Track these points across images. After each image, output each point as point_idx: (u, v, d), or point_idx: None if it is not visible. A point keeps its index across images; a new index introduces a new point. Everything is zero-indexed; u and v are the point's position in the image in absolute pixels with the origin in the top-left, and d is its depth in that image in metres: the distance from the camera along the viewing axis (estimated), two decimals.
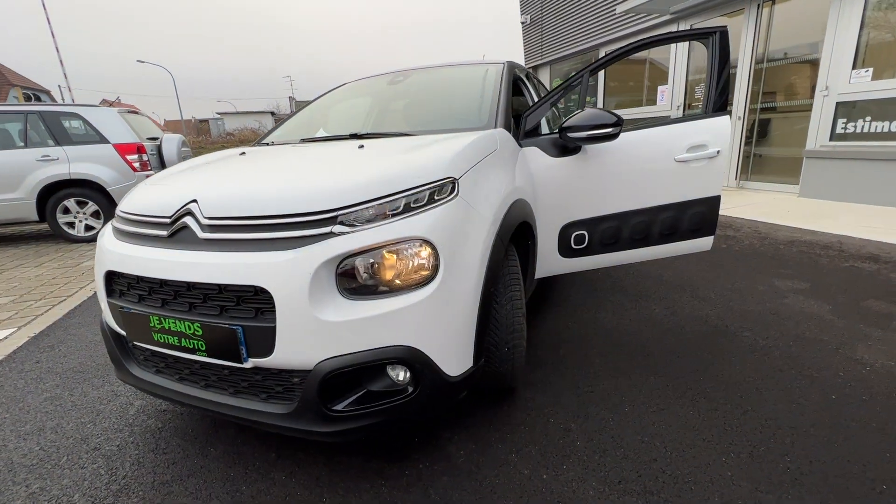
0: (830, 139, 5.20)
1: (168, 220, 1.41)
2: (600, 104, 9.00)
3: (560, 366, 2.02)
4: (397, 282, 1.27)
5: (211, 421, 1.78)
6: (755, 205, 5.23)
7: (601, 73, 8.83)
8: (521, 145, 2.09)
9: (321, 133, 2.35)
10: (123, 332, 1.51)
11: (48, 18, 16.15)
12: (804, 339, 2.12)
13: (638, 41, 2.22)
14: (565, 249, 2.24)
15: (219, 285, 1.26)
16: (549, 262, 2.26)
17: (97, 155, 5.32)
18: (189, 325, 1.31)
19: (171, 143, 6.19)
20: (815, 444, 1.45)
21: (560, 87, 2.22)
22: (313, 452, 1.56)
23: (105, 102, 53.06)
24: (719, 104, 2.22)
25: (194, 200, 1.39)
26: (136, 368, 1.57)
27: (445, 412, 1.69)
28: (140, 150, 5.53)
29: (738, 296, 2.66)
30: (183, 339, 1.34)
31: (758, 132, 6.24)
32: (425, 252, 1.28)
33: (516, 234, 1.89)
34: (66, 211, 5.33)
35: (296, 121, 2.64)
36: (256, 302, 1.24)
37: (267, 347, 1.24)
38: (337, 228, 1.25)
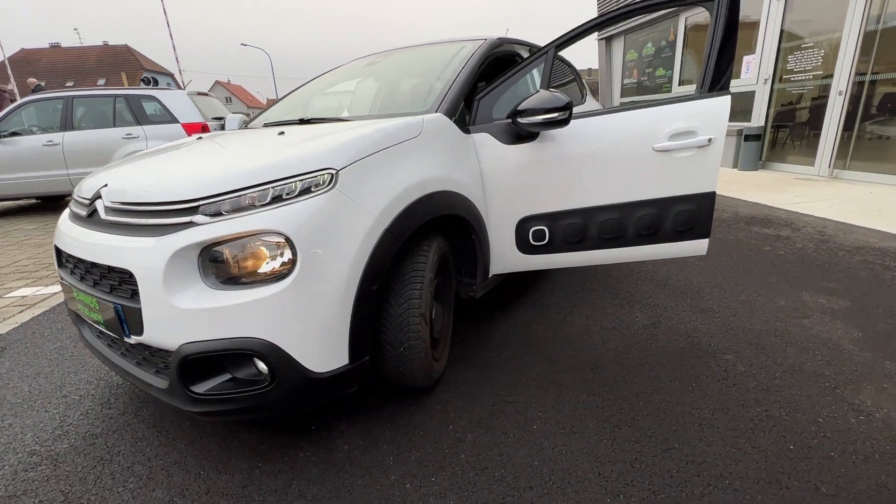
0: None
1: (88, 202, 1.55)
2: (676, 78, 8.01)
3: (495, 369, 1.90)
4: (254, 274, 1.27)
5: None
6: (840, 199, 4.36)
7: (679, 43, 7.82)
8: (469, 131, 1.94)
9: (287, 117, 2.38)
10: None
11: (164, 9, 18.25)
12: (799, 370, 1.75)
13: (623, 7, 1.91)
14: (524, 245, 2.07)
15: (108, 266, 1.37)
16: (508, 257, 2.11)
17: (168, 133, 5.97)
18: (90, 299, 1.44)
19: (234, 122, 6.71)
20: (731, 503, 1.20)
21: (519, 66, 2.00)
22: (219, 425, 1.65)
23: (218, 83, 58.88)
24: (720, 82, 1.85)
25: (106, 185, 1.50)
26: (87, 331, 1.77)
27: (312, 407, 1.55)
28: (204, 128, 6.10)
29: (747, 310, 2.26)
30: (90, 312, 1.48)
31: (864, 111, 5.13)
32: (281, 245, 1.26)
33: (439, 228, 1.80)
34: None
35: (282, 104, 2.71)
36: (130, 283, 1.32)
37: (140, 327, 1.32)
38: (198, 218, 1.27)
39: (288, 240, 1.25)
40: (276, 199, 1.29)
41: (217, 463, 1.48)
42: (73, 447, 1.60)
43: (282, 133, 1.74)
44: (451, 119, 1.85)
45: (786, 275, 2.66)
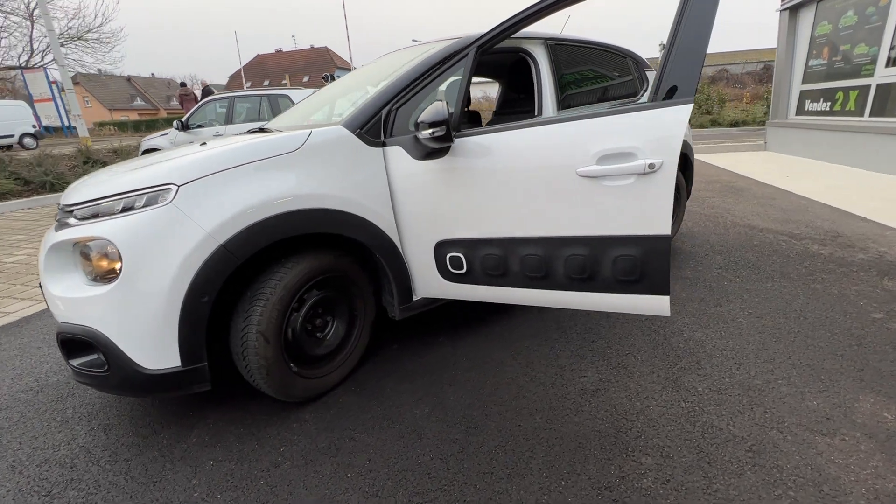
0: None
1: None
2: (883, 56, 5.83)
3: (377, 400, 1.78)
4: (104, 274, 1.46)
5: None
6: None
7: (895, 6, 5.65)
8: (385, 143, 1.80)
9: (276, 124, 2.57)
10: None
11: (345, 14, 21.13)
12: (733, 500, 1.19)
13: None
14: (445, 272, 1.87)
15: None
16: (431, 283, 1.94)
17: None
18: None
19: None
20: None
21: (439, 69, 1.76)
22: (121, 399, 1.94)
23: None
24: (683, 86, 1.33)
25: None
26: None
27: (155, 395, 1.81)
28: None
29: (745, 402, 1.61)
30: None
31: None
32: (112, 252, 1.41)
33: (328, 245, 1.74)
34: None
35: (290, 111, 2.93)
36: None
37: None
38: (71, 220, 1.51)
39: (117, 247, 1.39)
40: (127, 209, 1.45)
41: (111, 422, 1.76)
42: (58, 381, 2.09)
43: (203, 144, 1.90)
44: (355, 131, 1.75)
45: (865, 361, 1.79)
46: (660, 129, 1.34)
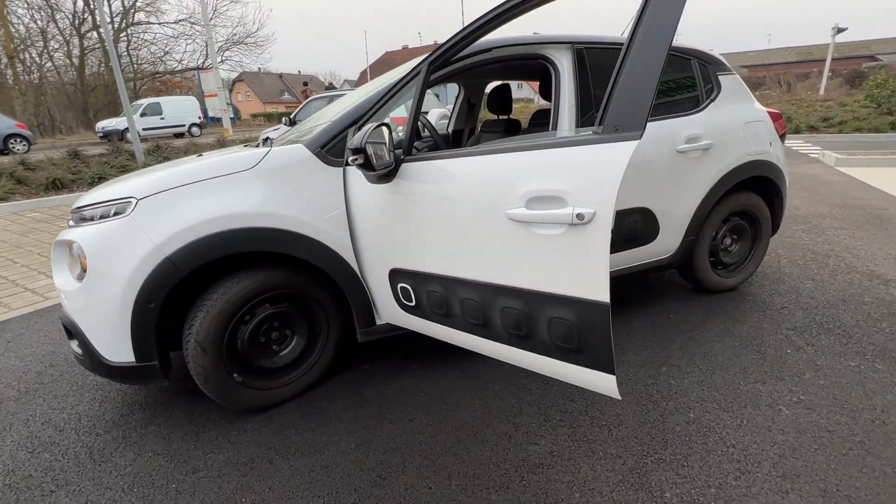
0: None
1: None
2: None
3: (313, 424, 1.75)
4: (78, 271, 1.66)
5: None
6: None
7: None
8: (347, 163, 1.74)
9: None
10: None
11: (462, 10, 21.39)
12: None
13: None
14: (399, 302, 1.77)
15: None
16: (391, 311, 1.86)
17: None
18: None
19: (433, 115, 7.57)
20: None
21: (396, 87, 1.62)
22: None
23: None
24: (629, 117, 1.03)
25: None
26: None
27: (123, 383, 1.97)
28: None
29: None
30: None
31: None
32: (83, 254, 1.60)
33: (268, 262, 1.75)
34: None
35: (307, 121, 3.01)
36: None
37: None
38: (70, 222, 1.75)
39: (84, 251, 1.58)
40: (103, 217, 1.63)
41: (109, 395, 2.03)
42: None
43: (200, 155, 2.04)
44: (315, 150, 1.72)
45: None
46: (593, 170, 1.05)
